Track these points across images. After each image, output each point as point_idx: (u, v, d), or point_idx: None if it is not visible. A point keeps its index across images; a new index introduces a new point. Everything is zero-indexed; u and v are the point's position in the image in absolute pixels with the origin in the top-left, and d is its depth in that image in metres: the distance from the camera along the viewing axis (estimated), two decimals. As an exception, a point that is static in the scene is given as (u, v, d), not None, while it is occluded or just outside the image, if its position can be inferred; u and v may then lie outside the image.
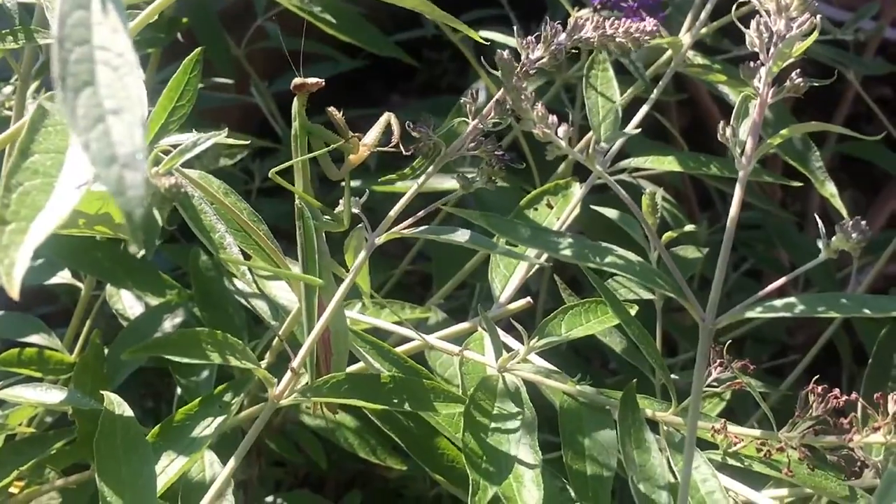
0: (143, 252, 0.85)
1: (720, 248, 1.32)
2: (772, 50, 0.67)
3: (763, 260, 1.41)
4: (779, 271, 1.45)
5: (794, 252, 1.33)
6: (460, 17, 1.47)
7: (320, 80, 0.78)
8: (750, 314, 0.64)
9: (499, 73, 0.72)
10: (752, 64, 0.67)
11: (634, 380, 0.76)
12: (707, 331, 0.65)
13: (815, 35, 0.65)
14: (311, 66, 1.48)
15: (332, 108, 0.79)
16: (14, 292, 0.48)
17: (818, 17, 0.65)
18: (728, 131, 0.67)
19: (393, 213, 0.77)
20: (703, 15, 1.05)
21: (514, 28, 1.32)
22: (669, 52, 1.07)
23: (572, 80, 1.24)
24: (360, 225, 0.80)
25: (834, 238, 0.64)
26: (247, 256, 0.88)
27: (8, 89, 0.97)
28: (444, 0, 1.27)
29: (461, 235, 0.73)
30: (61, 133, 0.56)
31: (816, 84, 0.68)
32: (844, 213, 0.99)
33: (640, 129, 0.88)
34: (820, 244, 0.65)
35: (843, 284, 1.37)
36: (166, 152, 0.68)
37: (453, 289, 1.19)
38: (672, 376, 0.86)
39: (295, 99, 0.79)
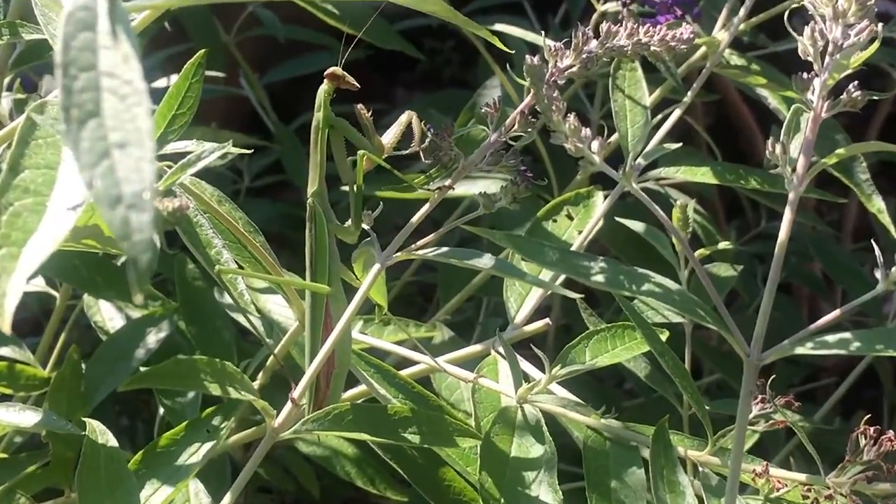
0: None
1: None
2: (827, 59, 0.66)
3: (796, 273, 1.40)
4: (812, 286, 1.44)
5: (830, 266, 1.32)
6: (470, 4, 1.47)
7: (356, 84, 0.78)
8: (800, 350, 0.63)
9: (512, 70, 0.72)
10: (804, 75, 0.67)
11: (667, 415, 0.75)
12: (752, 367, 0.65)
13: (876, 45, 0.64)
14: (308, 56, 1.47)
15: (360, 106, 0.78)
16: (5, 325, 0.47)
17: (880, 25, 0.64)
18: (778, 148, 0.66)
19: (405, 231, 0.77)
20: (741, 11, 1.03)
21: (532, 21, 1.32)
22: (703, 50, 1.06)
23: (592, 76, 1.24)
24: (368, 239, 0.80)
25: (894, 269, 0.63)
26: (241, 269, 0.87)
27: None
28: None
29: (486, 261, 0.72)
30: (53, 146, 0.55)
31: (876, 97, 0.67)
32: (893, 230, 0.98)
33: (680, 144, 0.87)
34: (878, 275, 0.64)
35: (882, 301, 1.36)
36: (168, 165, 0.67)
37: (461, 303, 1.18)
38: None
39: (321, 88, 0.78)
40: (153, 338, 1.06)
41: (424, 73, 1.90)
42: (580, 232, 0.98)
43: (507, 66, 1.07)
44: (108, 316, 1.10)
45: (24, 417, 0.88)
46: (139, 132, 0.45)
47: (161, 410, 1.02)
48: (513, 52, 0.92)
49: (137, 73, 0.46)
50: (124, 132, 0.45)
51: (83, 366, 1.03)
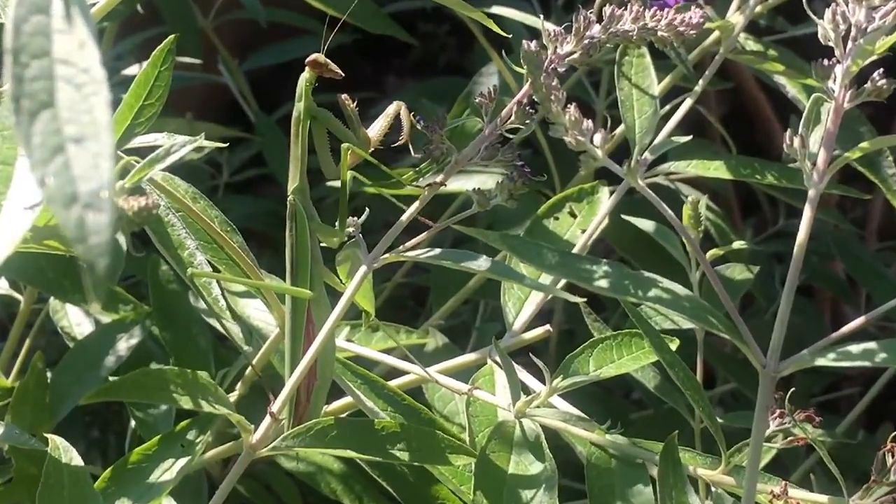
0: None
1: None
2: (849, 45, 0.65)
3: (817, 275, 1.39)
4: (835, 288, 1.43)
5: (854, 267, 1.30)
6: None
7: (340, 72, 0.77)
8: (821, 362, 0.62)
9: (511, 56, 0.71)
10: (825, 62, 0.65)
11: (677, 431, 0.74)
12: (769, 379, 0.63)
13: (903, 29, 0.63)
14: (292, 41, 1.46)
15: (344, 96, 0.77)
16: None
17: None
18: (796, 141, 0.65)
19: (393, 230, 0.75)
20: (759, -9, 1.02)
21: (534, 4, 1.31)
22: (716, 34, 1.05)
23: (597, 63, 1.22)
24: (353, 240, 0.79)
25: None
26: (216, 271, 0.86)
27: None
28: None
29: (482, 263, 0.71)
30: (10, 140, 0.54)
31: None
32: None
33: (690, 137, 0.86)
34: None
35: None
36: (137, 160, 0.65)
37: (456, 306, 1.17)
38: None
39: (302, 76, 0.77)
40: (124, 345, 1.04)
41: (418, 60, 1.88)
42: (584, 231, 0.96)
43: (506, 51, 1.06)
44: (75, 321, 1.09)
45: (-16, 431, 0.87)
46: (97, 125, 0.44)
47: (132, 422, 1.01)
48: (511, 36, 0.91)
49: (95, 60, 0.45)
50: (80, 125, 0.44)
51: (49, 375, 1.02)
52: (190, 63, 1.34)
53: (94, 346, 1.05)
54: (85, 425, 1.31)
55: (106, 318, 1.08)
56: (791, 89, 1.04)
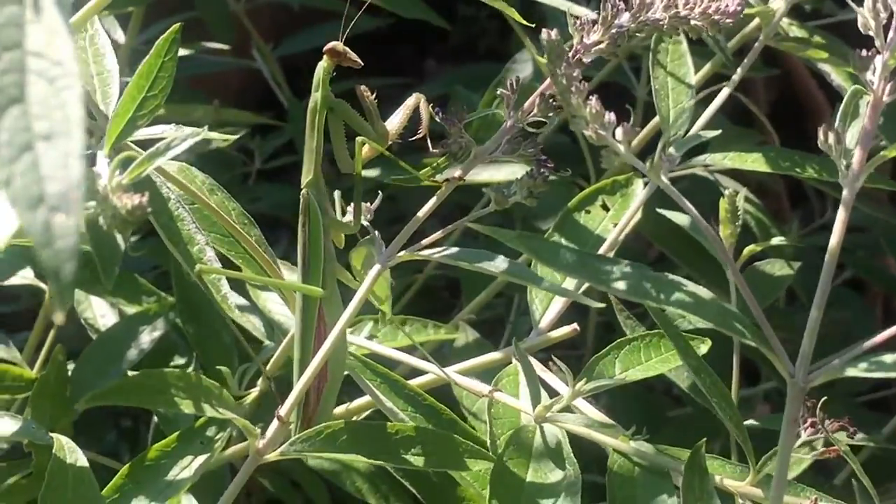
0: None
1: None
2: (890, 35, 0.61)
3: (866, 269, 1.35)
4: (883, 283, 1.39)
5: (905, 262, 1.26)
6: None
7: (359, 60, 0.75)
8: (851, 372, 0.59)
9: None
10: (864, 53, 0.62)
11: (704, 439, 0.71)
12: (797, 390, 0.60)
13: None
14: (326, 25, 1.43)
15: (363, 87, 0.75)
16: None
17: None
18: (831, 137, 0.61)
19: (410, 226, 0.73)
20: (802, -25, 0.98)
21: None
22: (757, 20, 1.01)
23: (636, 49, 1.18)
24: (368, 237, 0.76)
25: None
26: (235, 267, 0.84)
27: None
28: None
29: (499, 264, 0.67)
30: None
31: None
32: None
33: (720, 131, 0.82)
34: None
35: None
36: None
37: (489, 299, 1.14)
38: (750, 422, 0.81)
39: (320, 65, 0.75)
40: (147, 337, 1.03)
41: (458, 44, 1.85)
42: (616, 224, 0.93)
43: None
44: (99, 312, 1.08)
45: (2, 425, 0.86)
46: (69, 121, 0.42)
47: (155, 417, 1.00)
48: (533, 24, 0.88)
49: (68, 52, 0.43)
50: (51, 121, 0.42)
51: (71, 367, 1.01)
52: (223, 49, 1.32)
53: (116, 339, 1.03)
54: (116, 415, 1.30)
55: (130, 310, 1.06)
56: (836, 77, 1.00)
